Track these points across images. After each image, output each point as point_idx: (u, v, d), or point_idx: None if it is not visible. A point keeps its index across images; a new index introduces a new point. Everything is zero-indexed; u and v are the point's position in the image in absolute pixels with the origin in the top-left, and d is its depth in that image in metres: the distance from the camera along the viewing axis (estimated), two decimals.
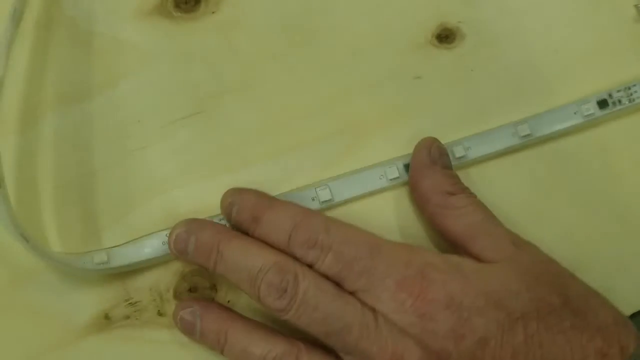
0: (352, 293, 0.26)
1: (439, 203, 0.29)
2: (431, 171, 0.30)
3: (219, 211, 0.30)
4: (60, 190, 0.31)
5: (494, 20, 0.34)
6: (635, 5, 0.34)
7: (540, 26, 0.34)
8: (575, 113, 0.32)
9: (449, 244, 0.29)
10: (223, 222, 0.29)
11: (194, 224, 0.28)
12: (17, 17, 0.31)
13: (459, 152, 0.31)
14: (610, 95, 0.32)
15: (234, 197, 0.29)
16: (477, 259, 0.27)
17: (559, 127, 0.32)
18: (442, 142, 0.31)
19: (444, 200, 0.29)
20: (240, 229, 0.28)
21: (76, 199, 0.31)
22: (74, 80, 0.32)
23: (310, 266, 0.26)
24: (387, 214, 0.31)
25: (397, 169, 0.31)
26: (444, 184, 0.29)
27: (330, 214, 0.31)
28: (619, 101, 0.32)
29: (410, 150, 0.31)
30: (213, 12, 0.33)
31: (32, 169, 0.31)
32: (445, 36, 0.33)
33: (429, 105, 0.33)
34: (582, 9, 0.34)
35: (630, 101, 0.32)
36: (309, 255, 0.26)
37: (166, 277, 0.30)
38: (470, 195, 0.29)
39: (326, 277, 0.26)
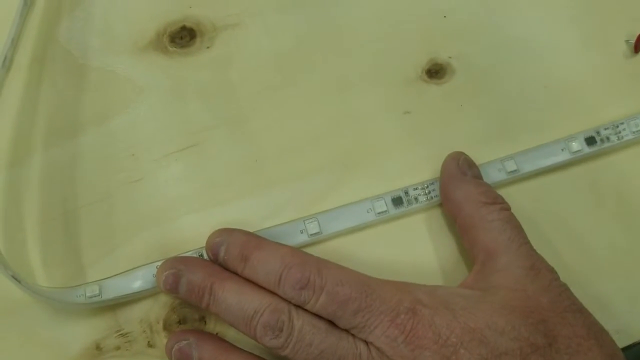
0: (346, 330, 0.27)
1: (470, 213, 0.29)
2: (463, 181, 0.30)
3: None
4: (52, 222, 0.31)
5: (483, 56, 0.34)
6: (627, 41, 0.34)
7: (529, 62, 0.35)
8: (562, 150, 0.32)
9: (470, 254, 0.30)
10: None
11: (182, 265, 0.29)
12: (7, 65, 0.32)
13: None
14: (598, 133, 0.32)
15: (222, 236, 0.29)
16: (487, 279, 0.28)
17: (545, 163, 0.32)
18: (430, 176, 0.31)
19: (477, 210, 0.29)
20: (227, 268, 0.29)
21: (68, 231, 0.31)
22: (67, 114, 0.33)
23: (301, 306, 0.27)
24: (376, 248, 0.31)
25: (385, 202, 0.31)
26: (476, 194, 0.30)
27: (319, 247, 0.31)
28: (607, 138, 0.32)
29: (399, 184, 0.32)
30: (208, 48, 0.34)
31: (21, 203, 0.31)
32: (436, 71, 0.34)
33: (418, 140, 0.33)
34: (573, 44, 0.35)
35: (618, 139, 0.32)
36: (301, 296, 0.27)
37: (156, 309, 0.30)
38: (503, 208, 0.30)
39: (318, 315, 0.27)
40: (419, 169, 0.32)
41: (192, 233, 0.31)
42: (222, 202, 0.32)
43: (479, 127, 0.33)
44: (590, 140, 0.32)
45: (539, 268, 0.28)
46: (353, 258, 0.31)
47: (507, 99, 0.34)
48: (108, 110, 0.33)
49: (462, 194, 0.30)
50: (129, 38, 0.34)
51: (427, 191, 0.32)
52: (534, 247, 0.29)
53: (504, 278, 0.28)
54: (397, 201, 0.31)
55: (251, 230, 0.30)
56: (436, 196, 0.32)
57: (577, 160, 0.32)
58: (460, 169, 0.31)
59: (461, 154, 0.31)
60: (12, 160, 0.32)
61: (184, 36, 0.34)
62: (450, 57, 0.34)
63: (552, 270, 0.28)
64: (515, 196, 0.32)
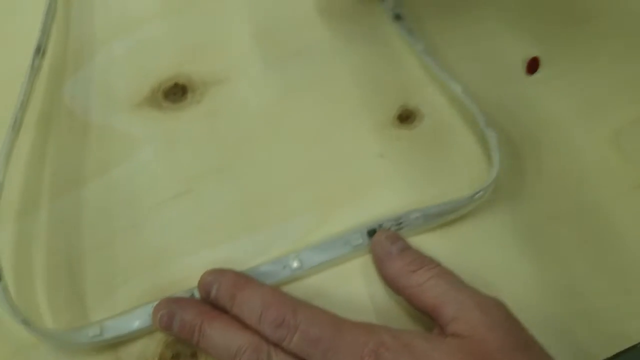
0: None
1: (406, 284, 0.32)
2: (390, 260, 0.33)
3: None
4: (58, 268, 0.34)
5: (449, 102, 0.37)
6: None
7: None
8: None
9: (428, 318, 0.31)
10: None
11: (175, 304, 0.31)
12: (17, 127, 0.35)
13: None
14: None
15: (214, 276, 0.32)
16: (445, 330, 0.30)
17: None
18: (403, 211, 0.34)
19: (409, 280, 0.31)
20: (218, 306, 0.31)
21: (73, 276, 0.34)
22: (71, 167, 0.36)
23: (279, 344, 0.29)
24: (356, 281, 0.34)
25: (361, 235, 0.34)
26: (404, 266, 0.32)
27: (302, 283, 0.34)
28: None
29: (375, 220, 0.34)
30: (198, 102, 0.37)
31: (30, 250, 0.34)
32: (406, 117, 0.37)
33: (392, 180, 0.36)
34: None
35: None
36: (277, 333, 0.29)
37: (152, 346, 0.32)
38: (431, 267, 0.32)
39: (294, 354, 0.29)
40: (393, 206, 0.35)
41: (185, 273, 0.34)
42: (213, 243, 0.35)
43: (447, 167, 0.36)
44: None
45: (484, 304, 0.30)
46: (335, 292, 0.33)
47: (471, 140, 0.37)
48: (108, 162, 0.36)
49: (393, 272, 0.32)
50: (127, 95, 0.37)
51: (399, 221, 0.34)
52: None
53: (457, 325, 0.29)
54: (372, 233, 0.34)
55: (240, 269, 0.33)
56: (407, 226, 0.34)
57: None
58: (385, 249, 0.33)
59: (382, 233, 0.34)
60: (22, 211, 0.35)
61: (176, 92, 0.37)
62: (419, 104, 0.37)
63: (497, 304, 0.30)
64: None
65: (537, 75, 0.38)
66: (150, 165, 0.36)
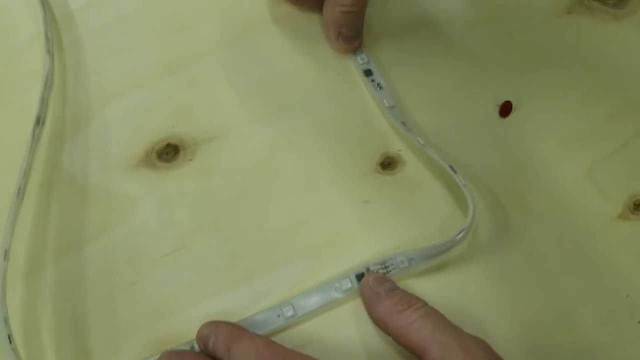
0: None
1: (394, 324, 0.33)
2: (378, 301, 0.34)
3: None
4: (64, 327, 0.35)
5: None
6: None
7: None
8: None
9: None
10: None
11: (176, 357, 0.33)
12: (21, 195, 0.37)
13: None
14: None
15: (210, 328, 0.34)
16: None
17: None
18: (390, 254, 0.36)
19: (397, 321, 0.33)
20: (216, 357, 0.33)
21: (78, 333, 0.35)
22: (72, 229, 0.37)
23: None
24: (348, 325, 0.35)
25: (350, 280, 0.36)
26: (391, 306, 0.33)
27: (296, 329, 0.35)
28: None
29: (364, 264, 0.36)
30: (190, 160, 0.39)
31: (36, 310, 0.36)
32: (388, 163, 0.39)
33: (378, 224, 0.38)
34: None
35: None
36: None
37: None
38: (418, 307, 0.33)
39: None
40: (380, 249, 0.37)
41: (185, 326, 0.35)
42: (209, 296, 0.36)
43: (429, 210, 0.38)
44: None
45: (467, 345, 0.31)
46: (327, 338, 0.35)
47: (451, 183, 0.38)
48: (108, 222, 0.38)
49: (382, 313, 0.34)
50: (122, 158, 0.39)
51: (385, 265, 0.36)
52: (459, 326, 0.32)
53: None
54: (360, 277, 0.36)
55: (237, 318, 0.35)
56: (394, 269, 0.36)
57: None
58: (373, 291, 0.34)
59: (369, 276, 0.35)
60: (28, 273, 0.37)
61: (169, 152, 0.39)
62: (399, 150, 0.39)
63: (480, 344, 0.31)
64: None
65: (510, 118, 0.40)
66: (147, 224, 0.38)
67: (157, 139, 0.40)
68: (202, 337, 0.34)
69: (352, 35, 0.41)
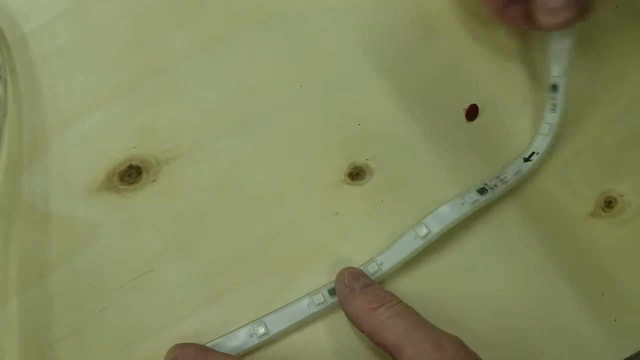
0: None
1: (368, 322, 0.32)
2: (352, 297, 0.34)
3: None
4: (28, 358, 0.34)
5: (395, 155, 0.39)
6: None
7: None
8: (462, 203, 0.36)
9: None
10: None
11: None
12: None
13: (372, 268, 0.36)
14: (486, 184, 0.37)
15: (177, 352, 0.33)
16: None
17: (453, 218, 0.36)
18: (360, 264, 0.36)
19: (371, 318, 0.32)
20: None
21: None
22: (35, 258, 0.36)
23: None
24: (322, 340, 0.35)
25: (322, 294, 0.35)
26: (365, 303, 0.33)
27: (271, 348, 0.35)
28: (495, 185, 0.37)
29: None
30: (154, 181, 0.38)
31: (2, 343, 0.34)
32: (357, 174, 0.38)
33: (348, 236, 0.37)
34: None
35: (503, 183, 0.37)
36: None
37: None
38: (392, 304, 0.32)
39: None
40: (351, 262, 0.36)
41: (156, 351, 0.34)
42: (180, 318, 0.35)
43: (400, 219, 0.37)
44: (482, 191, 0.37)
45: (441, 343, 0.31)
46: (303, 355, 0.34)
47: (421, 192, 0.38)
48: (71, 249, 0.37)
49: (355, 309, 0.33)
50: (83, 182, 0.38)
51: None
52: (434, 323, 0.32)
53: None
54: (333, 292, 0.35)
55: (208, 339, 0.34)
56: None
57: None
58: (348, 286, 0.34)
59: (345, 271, 0.35)
60: None
61: (131, 174, 0.38)
62: (367, 160, 0.39)
63: (453, 341, 0.31)
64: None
65: (476, 121, 0.40)
66: (112, 249, 0.37)
67: (118, 161, 0.39)
68: None
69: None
